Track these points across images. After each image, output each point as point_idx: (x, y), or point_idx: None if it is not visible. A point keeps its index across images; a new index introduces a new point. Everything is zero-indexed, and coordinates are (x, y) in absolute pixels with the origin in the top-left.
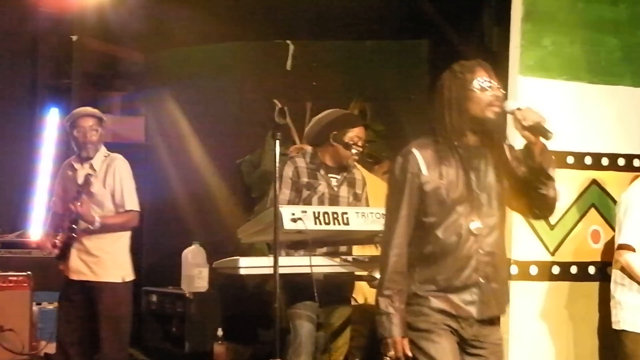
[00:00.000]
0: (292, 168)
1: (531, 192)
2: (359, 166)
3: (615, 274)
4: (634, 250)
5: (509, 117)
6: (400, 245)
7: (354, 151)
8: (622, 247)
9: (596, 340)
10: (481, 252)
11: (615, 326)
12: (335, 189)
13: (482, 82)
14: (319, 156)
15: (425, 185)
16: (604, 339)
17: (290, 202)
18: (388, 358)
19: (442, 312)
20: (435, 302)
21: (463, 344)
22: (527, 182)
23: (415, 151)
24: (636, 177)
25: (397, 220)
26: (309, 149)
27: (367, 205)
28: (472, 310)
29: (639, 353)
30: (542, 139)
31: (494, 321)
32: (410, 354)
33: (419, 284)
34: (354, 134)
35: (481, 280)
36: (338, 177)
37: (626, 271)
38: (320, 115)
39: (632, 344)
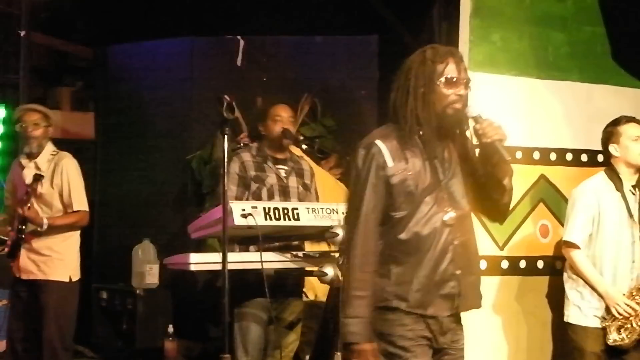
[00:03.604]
0: (238, 163)
1: (485, 194)
2: (305, 157)
3: (568, 268)
4: (578, 247)
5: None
6: (367, 244)
7: (279, 128)
8: (568, 244)
9: (545, 333)
10: (456, 243)
11: (565, 319)
12: (285, 180)
13: (449, 76)
14: (265, 149)
15: (392, 178)
16: (554, 331)
17: (237, 198)
18: None
19: (419, 317)
20: (413, 304)
21: (438, 353)
22: (482, 184)
23: (378, 142)
24: (578, 172)
25: (361, 217)
26: (254, 143)
27: (317, 196)
28: (452, 305)
29: (584, 346)
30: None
31: (461, 325)
32: None
33: (396, 285)
34: (276, 112)
35: (458, 272)
36: (286, 167)
37: (572, 267)
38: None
39: (577, 337)
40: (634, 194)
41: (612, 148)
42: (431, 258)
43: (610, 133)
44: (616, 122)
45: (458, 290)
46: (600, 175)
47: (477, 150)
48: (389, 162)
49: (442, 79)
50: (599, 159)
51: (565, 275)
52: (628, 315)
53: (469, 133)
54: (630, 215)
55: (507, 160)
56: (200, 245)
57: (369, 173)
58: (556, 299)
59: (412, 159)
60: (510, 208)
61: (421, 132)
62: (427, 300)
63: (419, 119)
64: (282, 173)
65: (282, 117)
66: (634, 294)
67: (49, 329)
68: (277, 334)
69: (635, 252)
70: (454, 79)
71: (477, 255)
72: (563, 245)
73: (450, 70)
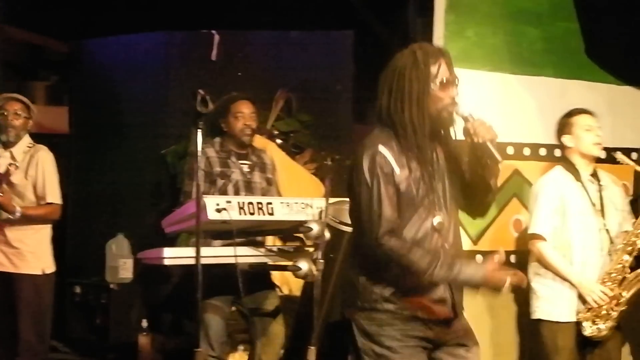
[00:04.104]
0: (203, 159)
1: (470, 192)
2: (269, 150)
3: (532, 264)
4: (545, 239)
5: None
6: (404, 246)
7: (241, 125)
8: (534, 236)
9: (516, 329)
10: (446, 246)
11: (532, 315)
12: (248, 175)
13: (443, 79)
14: (228, 145)
15: (400, 184)
16: (523, 327)
17: (204, 194)
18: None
19: (410, 318)
20: (403, 308)
21: (438, 344)
22: (468, 183)
23: (382, 149)
24: (551, 167)
25: (383, 226)
26: (217, 139)
27: (278, 190)
28: (444, 308)
29: (556, 341)
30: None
31: (465, 322)
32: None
33: (387, 286)
34: (237, 108)
35: None
36: (249, 162)
37: (540, 260)
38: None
39: (548, 332)
40: (593, 183)
41: (566, 139)
42: None
43: (563, 124)
44: (569, 114)
45: (450, 294)
46: (558, 168)
47: (467, 151)
48: (396, 170)
49: (437, 82)
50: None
51: (530, 271)
52: (603, 303)
53: (453, 132)
54: (593, 204)
55: (498, 161)
56: (175, 240)
57: (380, 180)
58: (526, 294)
59: (412, 165)
60: None
61: (415, 137)
62: (417, 304)
63: (414, 122)
64: (246, 168)
65: (244, 114)
66: (605, 280)
67: (24, 323)
68: (263, 325)
69: (603, 240)
70: (448, 81)
71: (464, 256)
72: (529, 239)
73: (443, 71)
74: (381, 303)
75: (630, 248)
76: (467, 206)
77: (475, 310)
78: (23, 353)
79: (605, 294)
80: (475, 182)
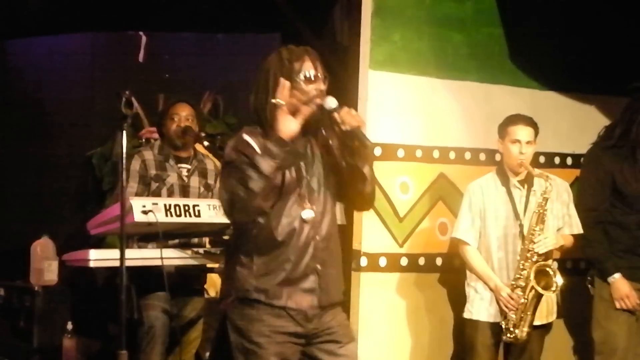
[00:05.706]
0: (139, 162)
1: (348, 184)
2: (211, 156)
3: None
4: (468, 244)
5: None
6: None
7: (176, 127)
8: (458, 241)
9: (444, 330)
10: (317, 238)
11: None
12: (186, 179)
13: (307, 74)
14: (167, 148)
15: None
16: (453, 328)
17: (137, 195)
18: None
19: (280, 311)
20: (273, 297)
21: (309, 339)
22: (345, 175)
23: (246, 137)
24: (475, 170)
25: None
26: (157, 141)
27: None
28: (313, 298)
29: (475, 339)
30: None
31: (334, 305)
32: None
33: (256, 277)
34: (174, 110)
35: (319, 267)
36: (189, 166)
37: (465, 263)
38: None
39: (470, 330)
40: (519, 189)
41: (499, 144)
42: (292, 253)
43: (501, 129)
44: (508, 121)
45: (318, 285)
46: (490, 173)
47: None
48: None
49: (301, 76)
50: (496, 158)
51: (467, 271)
52: (512, 308)
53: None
54: (515, 210)
55: (367, 146)
56: (101, 242)
57: (240, 160)
58: (453, 295)
59: None
60: (410, 206)
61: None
62: (287, 293)
63: None
64: (184, 172)
65: (180, 116)
66: (514, 286)
67: None
68: (178, 331)
69: (519, 246)
70: (313, 76)
71: (338, 249)
72: (454, 242)
73: (308, 67)
74: (252, 293)
75: (528, 254)
76: (350, 199)
77: (407, 311)
78: None
79: (513, 299)
80: (350, 172)
